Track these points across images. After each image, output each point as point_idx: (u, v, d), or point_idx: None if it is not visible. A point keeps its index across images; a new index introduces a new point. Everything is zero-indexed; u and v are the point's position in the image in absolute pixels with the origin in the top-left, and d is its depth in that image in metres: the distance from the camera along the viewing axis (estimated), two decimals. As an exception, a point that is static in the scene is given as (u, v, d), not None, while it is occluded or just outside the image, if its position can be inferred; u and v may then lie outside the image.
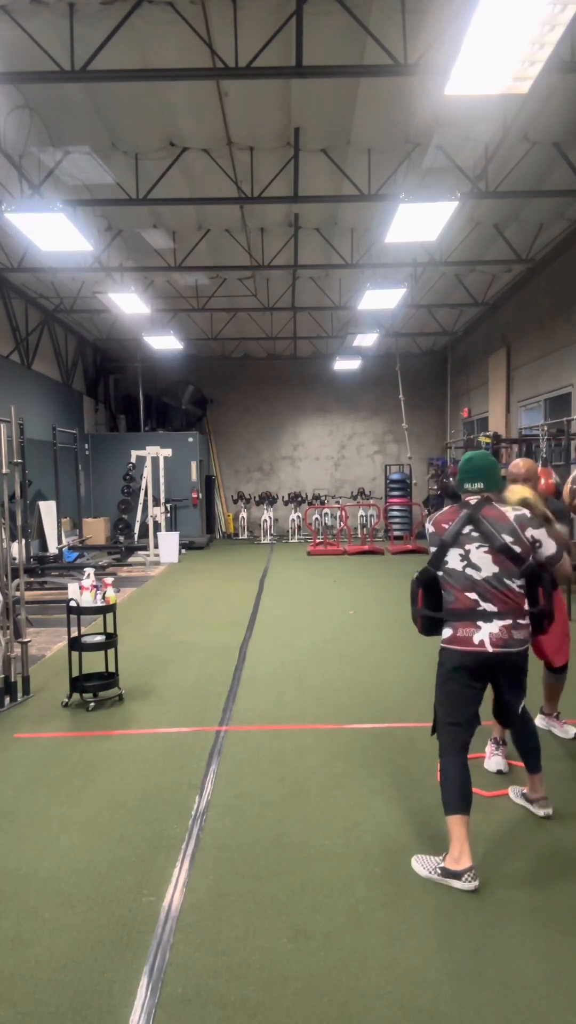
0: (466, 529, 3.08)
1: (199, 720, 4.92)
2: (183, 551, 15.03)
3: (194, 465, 17.30)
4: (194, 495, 17.35)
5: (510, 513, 3.09)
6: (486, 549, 3.05)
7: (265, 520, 17.97)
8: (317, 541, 16.06)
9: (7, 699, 5.22)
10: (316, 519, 16.70)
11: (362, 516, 17.82)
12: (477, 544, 3.06)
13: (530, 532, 3.06)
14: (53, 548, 13.27)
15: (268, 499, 18.36)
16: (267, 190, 8.96)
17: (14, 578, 5.48)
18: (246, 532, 18.95)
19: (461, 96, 5.54)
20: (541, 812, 3.45)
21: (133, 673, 5.87)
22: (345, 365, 18.07)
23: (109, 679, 5.40)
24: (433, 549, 3.18)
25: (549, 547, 3.10)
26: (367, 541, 16.34)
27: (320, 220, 10.84)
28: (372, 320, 15.56)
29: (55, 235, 8.06)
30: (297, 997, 2.34)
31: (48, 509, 13.83)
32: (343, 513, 16.66)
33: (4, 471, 5.36)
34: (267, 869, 3.06)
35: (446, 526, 3.14)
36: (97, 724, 4.87)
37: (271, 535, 17.99)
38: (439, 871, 2.95)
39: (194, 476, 17.31)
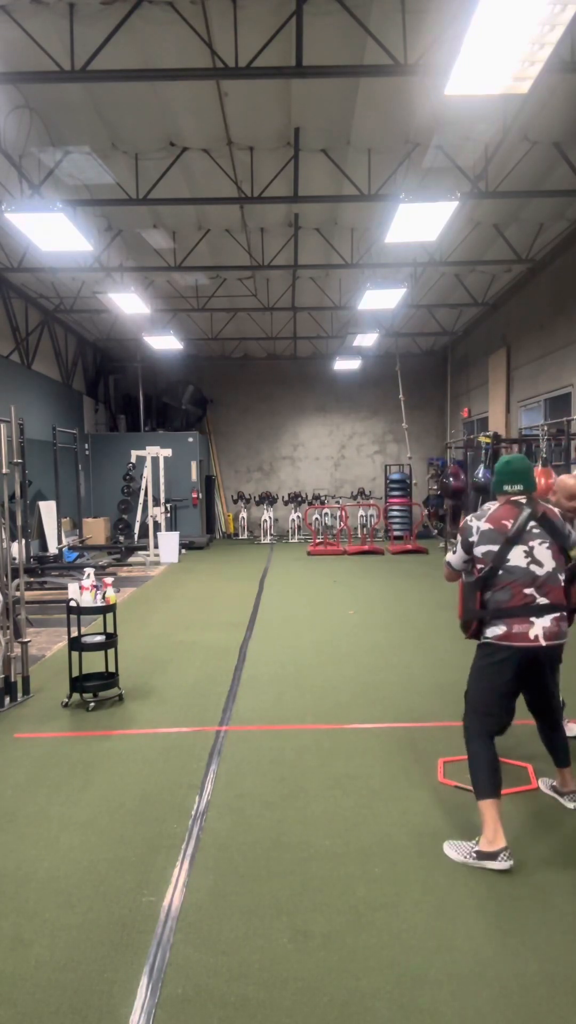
0: (529, 526, 3.19)
1: (199, 720, 4.91)
2: (183, 551, 15.03)
3: (194, 465, 17.30)
4: (194, 495, 17.35)
5: (557, 510, 3.35)
6: (547, 545, 3.19)
7: (265, 520, 17.97)
8: (317, 541, 16.06)
9: (7, 699, 5.22)
10: (316, 519, 16.71)
11: (362, 516, 17.82)
12: (540, 540, 3.19)
13: (568, 525, 3.34)
14: (53, 548, 13.27)
15: (268, 499, 18.36)
16: (267, 190, 8.96)
17: (14, 578, 5.48)
18: (246, 532, 18.95)
19: (461, 96, 5.54)
20: (571, 804, 3.51)
21: (133, 673, 5.87)
22: (345, 365, 18.07)
23: (109, 679, 5.40)
24: (490, 548, 3.19)
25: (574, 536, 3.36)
26: (367, 541, 16.34)
27: (320, 220, 10.84)
28: (372, 320, 15.56)
29: (55, 235, 8.06)
30: (297, 997, 2.34)
31: (48, 509, 13.83)
32: (343, 513, 16.65)
33: (4, 471, 5.36)
34: (267, 869, 3.06)
35: (508, 523, 3.20)
36: (97, 724, 4.87)
37: (271, 535, 17.99)
38: (474, 854, 3.02)
39: (194, 476, 17.31)
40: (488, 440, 11.76)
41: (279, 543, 17.61)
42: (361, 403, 20.13)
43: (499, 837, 2.98)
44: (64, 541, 13.44)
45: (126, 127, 7.97)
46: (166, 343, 14.77)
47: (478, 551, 3.22)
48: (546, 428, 10.40)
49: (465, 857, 3.04)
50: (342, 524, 16.60)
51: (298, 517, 17.83)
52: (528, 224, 10.94)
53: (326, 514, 16.96)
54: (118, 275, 12.09)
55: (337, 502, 18.27)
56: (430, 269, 12.64)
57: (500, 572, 3.18)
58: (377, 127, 7.97)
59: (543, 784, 3.74)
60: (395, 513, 17.66)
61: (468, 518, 3.33)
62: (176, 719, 4.94)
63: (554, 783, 3.65)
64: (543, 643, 3.11)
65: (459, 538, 3.34)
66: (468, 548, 3.28)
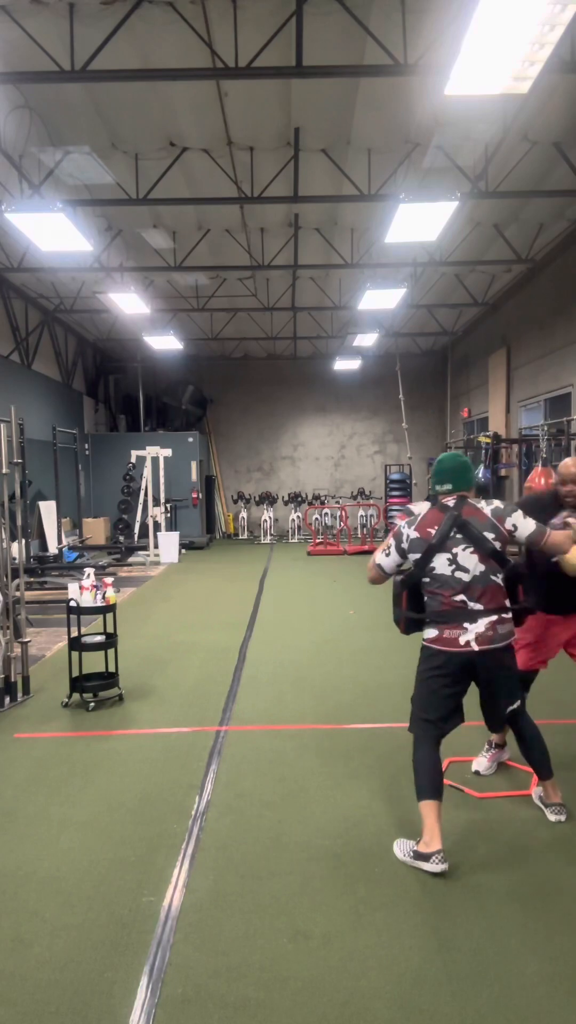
0: (452, 532, 3.13)
1: (199, 720, 4.91)
2: (183, 551, 15.03)
3: (194, 465, 17.30)
4: (194, 495, 17.36)
5: (486, 509, 3.17)
6: (472, 550, 3.11)
7: (265, 520, 17.97)
8: (317, 541, 16.07)
9: (7, 699, 5.22)
10: (316, 519, 16.71)
11: (362, 516, 17.83)
12: (463, 546, 3.12)
13: (508, 522, 3.15)
14: (53, 548, 13.27)
15: (268, 499, 18.37)
16: (267, 190, 8.96)
17: (14, 578, 5.47)
18: (246, 532, 18.96)
19: (461, 96, 5.54)
20: (552, 818, 3.44)
21: (133, 673, 5.87)
22: (345, 365, 18.07)
23: (109, 679, 5.40)
24: (417, 555, 3.18)
25: (527, 528, 3.16)
26: (367, 541, 16.34)
27: (320, 220, 10.84)
28: (372, 320, 15.56)
29: (55, 235, 8.06)
30: (297, 997, 2.34)
31: (48, 509, 13.83)
32: (343, 513, 16.66)
33: (4, 471, 5.36)
34: (267, 869, 3.06)
35: (431, 530, 3.16)
36: (97, 724, 4.87)
37: (271, 535, 17.99)
38: (412, 854, 3.05)
39: (194, 476, 17.32)
40: (488, 440, 11.77)
41: (279, 543, 17.60)
42: (361, 403, 20.13)
43: (435, 840, 2.99)
44: (64, 541, 13.43)
45: (126, 127, 7.97)
46: (166, 343, 14.77)
47: (411, 558, 3.21)
48: (546, 428, 10.40)
49: (404, 855, 3.08)
50: (342, 524, 16.60)
51: (298, 517, 17.83)
52: (528, 224, 10.94)
53: (326, 514, 16.97)
54: (118, 275, 12.09)
55: (337, 502, 18.29)
56: (430, 269, 12.64)
57: (427, 580, 3.16)
58: (377, 127, 7.97)
59: (534, 794, 3.65)
60: (395, 513, 17.67)
61: (401, 523, 3.25)
62: (176, 719, 4.94)
63: (541, 793, 3.58)
64: (475, 648, 3.06)
65: (393, 542, 3.26)
66: (402, 554, 3.24)
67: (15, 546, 6.20)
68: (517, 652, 3.81)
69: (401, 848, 3.13)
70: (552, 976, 2.41)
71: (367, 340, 15.77)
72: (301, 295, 14.54)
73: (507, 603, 3.16)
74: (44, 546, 13.58)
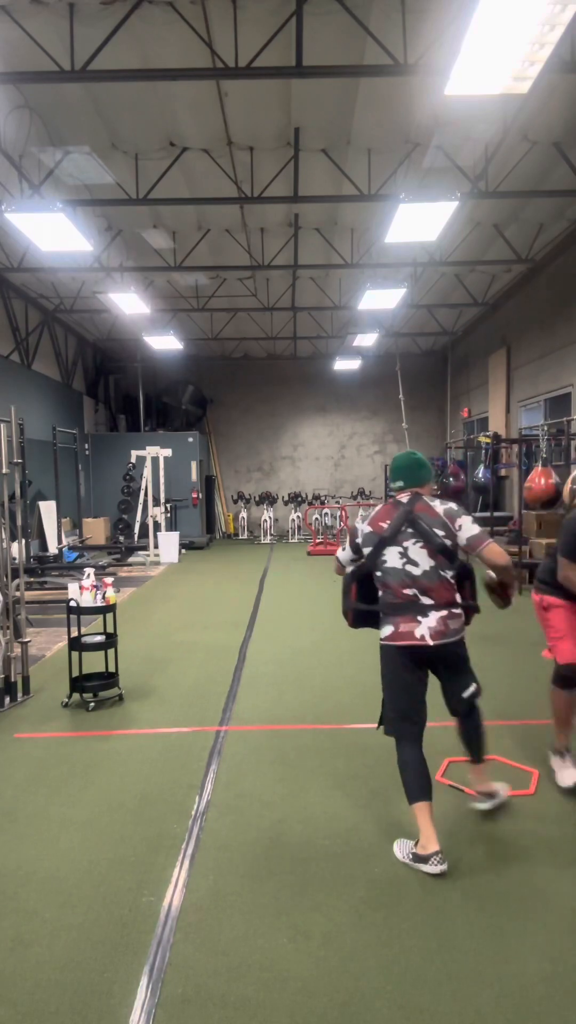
0: (403, 526, 3.19)
1: (199, 720, 4.91)
2: (183, 551, 15.03)
3: (194, 465, 17.30)
4: (194, 495, 17.36)
5: (439, 507, 3.21)
6: (422, 544, 3.16)
7: (265, 520, 17.98)
8: (317, 541, 16.07)
9: (7, 699, 5.22)
10: (316, 519, 16.71)
11: (362, 516, 17.83)
12: (414, 540, 3.17)
13: (457, 522, 3.18)
14: (53, 548, 13.27)
15: (268, 499, 18.37)
16: (267, 190, 8.96)
17: (14, 578, 5.47)
18: (246, 532, 18.96)
19: (461, 96, 5.55)
20: (481, 806, 3.46)
21: (133, 673, 5.87)
22: (345, 365, 18.06)
23: (109, 679, 5.40)
24: (369, 548, 3.25)
25: (470, 531, 3.16)
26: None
27: (320, 220, 10.84)
28: (372, 320, 15.56)
29: (55, 235, 8.06)
30: (297, 997, 2.34)
31: (48, 509, 13.83)
32: (343, 513, 16.66)
33: (4, 471, 5.36)
34: (267, 869, 3.06)
35: (384, 524, 3.22)
36: (97, 724, 4.87)
37: (271, 535, 17.99)
38: (411, 856, 3.06)
39: (194, 476, 17.32)
40: (488, 440, 11.76)
41: (279, 543, 17.61)
42: (361, 403, 20.13)
43: (431, 841, 3.01)
44: (64, 541, 13.44)
45: (126, 127, 7.97)
46: (166, 343, 14.77)
47: (365, 551, 3.29)
48: (546, 428, 10.39)
49: (404, 857, 3.09)
50: (342, 524, 16.61)
51: (298, 517, 17.84)
52: (528, 224, 10.94)
53: (326, 514, 16.98)
54: (118, 275, 12.09)
55: (337, 502, 18.29)
56: (430, 269, 12.64)
57: (379, 573, 3.22)
58: (377, 127, 7.97)
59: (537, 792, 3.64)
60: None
61: (357, 519, 3.36)
62: (176, 719, 4.94)
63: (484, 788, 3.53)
64: (430, 643, 3.10)
65: (348, 537, 3.36)
66: (356, 549, 3.35)
67: (15, 546, 6.20)
68: (560, 642, 3.78)
69: (401, 849, 3.15)
70: (552, 976, 2.41)
71: (367, 340, 15.77)
72: (301, 295, 14.54)
73: (457, 599, 3.21)
74: (44, 546, 13.58)
